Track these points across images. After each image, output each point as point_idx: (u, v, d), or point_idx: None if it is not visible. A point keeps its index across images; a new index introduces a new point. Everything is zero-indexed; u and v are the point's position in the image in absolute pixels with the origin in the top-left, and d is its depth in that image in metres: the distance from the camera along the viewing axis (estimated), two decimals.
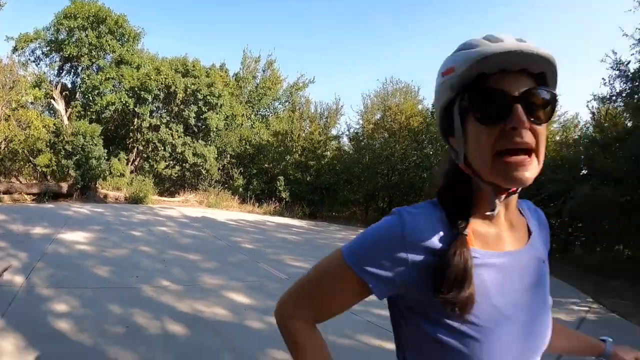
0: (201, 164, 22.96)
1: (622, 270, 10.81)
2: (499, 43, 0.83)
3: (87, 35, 21.66)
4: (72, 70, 24.08)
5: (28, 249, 7.37)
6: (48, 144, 19.03)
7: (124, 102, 21.35)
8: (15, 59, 20.96)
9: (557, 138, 17.82)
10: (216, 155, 23.50)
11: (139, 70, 22.66)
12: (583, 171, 13.73)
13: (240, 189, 23.37)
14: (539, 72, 0.86)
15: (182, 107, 22.64)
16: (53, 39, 22.23)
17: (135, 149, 23.37)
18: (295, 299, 1.04)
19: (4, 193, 15.38)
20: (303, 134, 24.00)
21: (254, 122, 26.96)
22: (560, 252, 14.14)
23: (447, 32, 58.20)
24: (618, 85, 11.69)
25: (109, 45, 22.13)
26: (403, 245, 0.87)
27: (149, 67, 22.98)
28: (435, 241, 0.87)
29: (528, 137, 0.82)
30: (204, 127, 23.46)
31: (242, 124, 25.59)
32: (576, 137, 17.18)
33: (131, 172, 22.64)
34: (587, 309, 7.63)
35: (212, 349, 4.16)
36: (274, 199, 22.54)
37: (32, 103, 20.93)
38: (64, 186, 17.74)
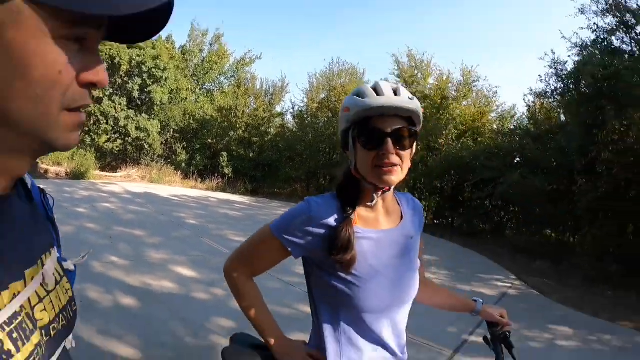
0: (144, 138, 22.57)
1: (548, 252, 11.61)
2: (380, 97, 1.26)
3: None
4: None
5: None
6: None
7: None
8: None
9: (495, 127, 18.54)
10: (159, 130, 23.20)
11: None
12: (517, 159, 14.44)
13: (183, 165, 23.19)
14: (407, 115, 1.29)
15: (126, 79, 22.11)
16: None
17: None
18: (238, 260, 1.53)
19: None
20: (247, 111, 24.01)
21: (198, 97, 26.64)
22: (492, 234, 14.96)
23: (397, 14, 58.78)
24: (553, 83, 12.40)
25: None
26: (310, 222, 1.36)
27: None
28: (331, 221, 1.35)
29: (394, 159, 1.27)
30: (147, 100, 22.99)
31: (186, 98, 25.26)
32: (512, 127, 17.98)
33: None
34: (509, 285, 8.30)
35: (161, 319, 4.51)
36: (216, 175, 22.54)
37: None
38: None
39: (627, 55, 10.34)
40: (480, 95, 19.41)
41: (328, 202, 1.40)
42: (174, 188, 19.38)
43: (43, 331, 0.67)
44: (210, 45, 27.79)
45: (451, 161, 15.86)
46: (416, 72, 19.46)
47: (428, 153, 17.35)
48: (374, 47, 59.39)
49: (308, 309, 1.53)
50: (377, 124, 1.27)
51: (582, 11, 11.13)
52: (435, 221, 17.59)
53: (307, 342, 1.51)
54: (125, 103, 22.25)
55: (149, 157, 23.37)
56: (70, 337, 0.79)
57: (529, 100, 15.59)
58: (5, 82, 0.55)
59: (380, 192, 1.37)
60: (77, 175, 18.93)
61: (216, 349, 4.02)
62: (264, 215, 13.91)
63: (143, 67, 21.83)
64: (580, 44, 11.47)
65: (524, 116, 17.39)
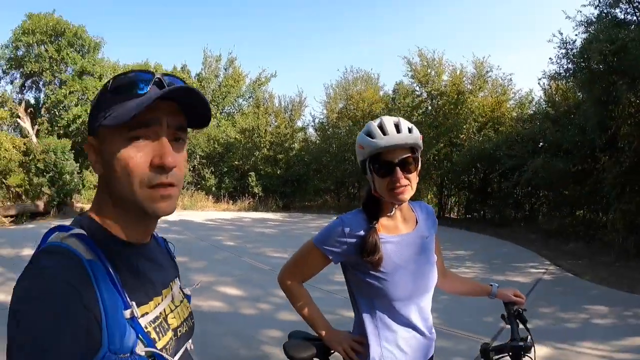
0: None
1: (579, 233, 11.65)
2: (386, 136, 1.61)
3: (46, 50, 21.58)
4: (34, 86, 23.94)
5: None
6: (20, 163, 18.83)
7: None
8: None
9: (514, 114, 18.50)
10: (186, 157, 23.64)
11: (101, 80, 22.55)
12: (539, 144, 14.44)
13: (213, 188, 23.69)
14: (412, 145, 1.64)
15: None
16: (12, 56, 22.05)
17: None
18: (289, 270, 1.94)
19: None
20: (269, 129, 24.33)
21: (220, 121, 27.13)
22: (524, 221, 14.97)
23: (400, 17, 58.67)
24: (565, 64, 12.39)
25: (69, 57, 22.04)
26: (343, 234, 1.73)
27: (111, 76, 22.87)
28: (360, 231, 1.72)
29: (404, 182, 1.63)
30: None
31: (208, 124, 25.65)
32: (531, 112, 17.92)
33: None
34: (544, 270, 8.43)
35: (215, 336, 4.88)
36: (247, 195, 22.97)
37: None
38: (41, 204, 17.73)
39: (632, 27, 10.33)
40: (496, 84, 19.41)
41: (356, 216, 1.78)
42: (207, 212, 19.82)
43: (173, 332, 1.02)
44: (225, 69, 28.27)
45: (475, 154, 15.92)
46: (429, 70, 19.53)
47: (452, 149, 17.45)
48: (383, 47, 59.19)
49: (348, 313, 1.88)
50: (387, 157, 1.63)
51: None
52: (468, 215, 17.64)
53: (351, 331, 1.88)
54: None
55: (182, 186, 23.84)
56: (190, 341, 1.16)
57: (544, 84, 15.56)
58: (110, 176, 0.92)
59: (397, 206, 1.75)
60: None
61: (269, 357, 4.38)
62: (299, 230, 14.29)
63: None
64: (586, 20, 11.45)
65: (542, 100, 17.33)
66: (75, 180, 19.29)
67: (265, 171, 23.14)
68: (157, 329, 0.96)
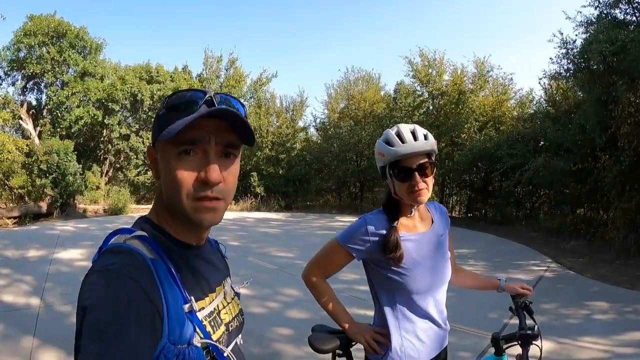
0: None
1: (581, 231, 11.75)
2: (404, 145, 1.74)
3: (48, 52, 21.59)
4: (36, 88, 23.95)
5: (31, 271, 7.78)
6: (23, 165, 18.83)
7: (92, 115, 21.43)
8: None
9: (515, 113, 18.58)
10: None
11: (103, 81, 22.65)
12: (540, 143, 14.52)
13: None
14: (428, 152, 1.77)
15: (150, 113, 22.79)
16: (14, 57, 22.07)
17: (107, 160, 23.50)
18: (313, 267, 2.03)
19: None
20: (271, 129, 24.49)
21: None
22: (525, 219, 15.05)
23: (401, 15, 58.63)
24: (565, 64, 12.48)
25: (71, 59, 22.01)
26: (367, 233, 1.84)
27: (113, 77, 23.04)
28: (382, 230, 1.84)
29: (422, 185, 1.76)
30: None
31: None
32: (531, 111, 18.00)
33: (105, 183, 22.77)
34: (545, 268, 8.52)
35: None
36: (249, 195, 23.04)
37: (0, 126, 20.88)
38: (44, 206, 17.84)
39: (632, 27, 10.39)
40: (497, 84, 19.55)
41: (378, 216, 1.90)
42: None
43: (225, 327, 1.10)
44: (226, 70, 28.27)
45: (476, 153, 15.98)
46: (430, 70, 19.63)
47: (453, 148, 17.53)
48: (383, 46, 59.16)
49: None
50: (405, 163, 1.77)
51: None
52: (469, 214, 17.72)
53: (371, 324, 2.00)
54: None
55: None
56: (240, 335, 1.24)
57: (544, 83, 15.64)
58: (163, 185, 1.02)
59: (415, 207, 1.89)
60: (115, 211, 19.61)
61: (280, 354, 4.48)
62: (302, 230, 14.42)
63: None
64: (586, 21, 11.54)
65: (542, 99, 17.42)
66: (78, 181, 19.36)
67: (267, 171, 23.27)
68: (212, 323, 1.04)
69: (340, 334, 2.02)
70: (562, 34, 12.04)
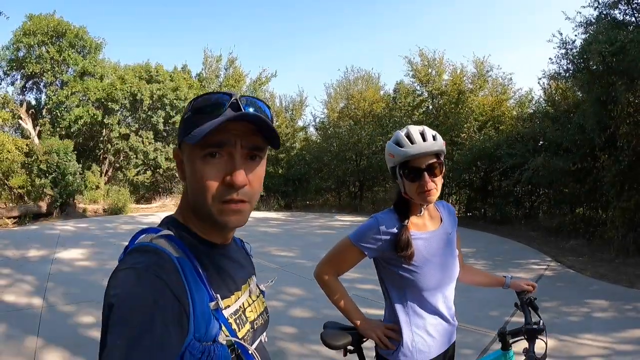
0: (174, 168, 22.99)
1: (580, 230, 11.80)
2: (414, 145, 1.79)
3: (48, 51, 21.55)
4: (35, 87, 23.90)
5: (32, 271, 7.80)
6: (22, 164, 18.79)
7: (91, 114, 21.37)
8: None
9: (514, 113, 18.61)
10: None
11: (102, 80, 22.58)
12: (539, 143, 14.55)
13: None
14: (437, 152, 1.82)
15: (149, 113, 22.78)
16: (13, 57, 22.01)
17: (107, 159, 23.46)
18: (326, 265, 2.08)
19: None
20: None
21: None
22: (524, 219, 15.09)
23: (400, 14, 58.57)
24: (564, 64, 12.52)
25: (71, 58, 21.95)
26: (379, 232, 1.90)
27: (112, 77, 22.97)
28: (393, 229, 1.89)
29: (431, 185, 1.81)
30: (173, 131, 23.59)
31: None
32: (531, 111, 18.04)
33: (105, 183, 22.74)
34: (545, 267, 8.58)
35: None
36: None
37: (0, 126, 20.84)
38: (43, 205, 17.82)
39: (631, 28, 10.44)
40: (496, 84, 19.62)
41: (389, 215, 1.95)
42: None
43: (250, 324, 1.12)
44: (226, 69, 28.25)
45: (476, 153, 16.00)
46: (430, 70, 19.69)
47: (453, 148, 17.58)
48: (383, 45, 58.97)
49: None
50: (415, 164, 1.82)
51: None
52: (468, 213, 17.76)
53: (382, 320, 2.05)
54: (152, 136, 22.90)
55: (181, 184, 23.81)
56: (265, 333, 1.26)
57: (543, 83, 15.69)
58: (189, 187, 1.05)
59: (425, 206, 1.94)
60: (114, 210, 19.61)
61: (284, 352, 4.53)
62: (302, 229, 14.48)
63: (164, 99, 22.44)
64: (585, 21, 11.57)
65: (541, 99, 17.44)
66: (78, 181, 19.36)
67: (267, 171, 23.13)
68: (237, 321, 1.06)
69: (351, 330, 2.06)
70: (561, 34, 12.09)
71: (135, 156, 22.79)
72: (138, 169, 23.99)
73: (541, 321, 2.09)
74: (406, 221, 1.90)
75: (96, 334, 4.95)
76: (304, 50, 56.59)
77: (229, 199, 0.99)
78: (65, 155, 18.51)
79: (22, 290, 6.73)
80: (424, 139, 1.81)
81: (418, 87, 20.64)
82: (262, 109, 1.06)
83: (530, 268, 8.58)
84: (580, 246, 10.55)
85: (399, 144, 1.84)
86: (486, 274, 2.48)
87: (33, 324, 5.24)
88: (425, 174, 1.80)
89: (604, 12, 11.10)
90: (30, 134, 21.00)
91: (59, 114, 21.48)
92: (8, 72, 22.59)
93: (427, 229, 1.98)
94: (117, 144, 22.54)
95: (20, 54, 21.95)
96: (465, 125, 17.86)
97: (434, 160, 1.82)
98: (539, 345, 2.04)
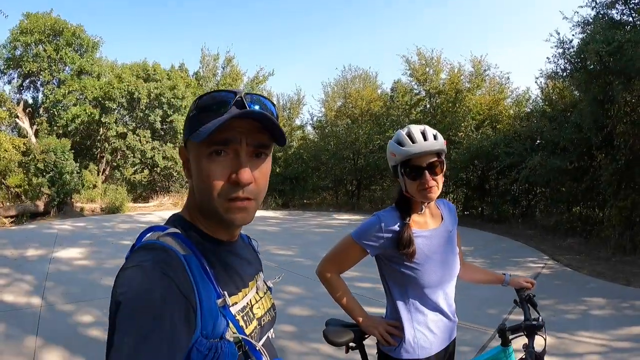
0: (172, 166, 23.20)
1: (577, 229, 11.85)
2: (415, 144, 1.81)
3: (45, 50, 21.49)
4: (32, 86, 23.83)
5: (31, 271, 7.78)
6: (19, 163, 18.67)
7: (89, 113, 21.33)
8: None
9: (511, 112, 18.63)
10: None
11: (99, 79, 22.57)
12: (537, 142, 14.58)
13: None
14: (437, 151, 1.84)
15: (146, 112, 22.71)
16: (10, 56, 21.95)
17: (104, 158, 23.42)
18: (328, 263, 2.10)
19: None
20: None
21: None
22: (522, 217, 15.12)
23: (399, 11, 58.53)
24: (562, 63, 12.56)
25: (68, 57, 21.88)
26: (381, 229, 1.92)
27: (110, 76, 22.93)
28: (395, 227, 1.92)
29: (432, 183, 1.84)
30: (170, 130, 23.64)
31: None
32: (528, 110, 18.08)
33: (102, 182, 22.67)
34: (542, 265, 8.62)
35: None
36: None
37: None
38: (41, 205, 17.69)
39: (628, 28, 10.49)
40: (493, 82, 19.67)
41: (391, 213, 1.97)
42: None
43: (257, 321, 1.12)
44: (223, 68, 28.23)
45: (473, 152, 15.99)
46: (427, 69, 19.73)
47: (450, 147, 17.59)
48: (381, 44, 58.91)
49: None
50: (416, 162, 1.85)
51: None
52: (465, 212, 17.78)
53: (384, 317, 2.08)
54: (149, 135, 22.87)
55: (178, 183, 23.90)
56: (272, 330, 1.26)
57: (541, 82, 15.71)
58: (195, 185, 1.05)
59: (425, 204, 1.97)
60: (112, 209, 19.50)
61: (284, 350, 4.53)
62: (300, 228, 14.51)
63: (162, 98, 22.40)
64: (583, 21, 11.60)
65: (539, 98, 17.46)
66: (75, 180, 19.26)
67: None
68: (245, 318, 1.06)
69: (354, 327, 2.09)
70: (558, 33, 12.12)
71: (132, 155, 22.76)
72: (135, 168, 23.98)
73: (540, 317, 2.12)
74: (408, 219, 1.93)
75: (96, 333, 4.99)
76: (303, 48, 56.74)
77: (235, 196, 0.99)
78: (63, 154, 18.42)
79: (21, 290, 6.72)
80: (425, 138, 1.83)
81: (415, 86, 20.70)
82: (268, 107, 1.06)
83: (528, 266, 8.61)
84: (577, 244, 10.59)
85: (400, 143, 1.87)
86: (486, 272, 2.52)
87: (32, 324, 5.24)
88: (426, 172, 1.83)
89: (602, 12, 11.14)
90: (27, 132, 20.97)
91: (56, 113, 21.42)
92: (5, 71, 22.52)
93: (429, 226, 2.01)
94: (114, 142, 22.48)
95: (17, 52, 21.88)
96: (462, 124, 17.86)
97: (435, 159, 1.86)
98: (538, 342, 2.06)
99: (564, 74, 12.58)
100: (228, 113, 0.98)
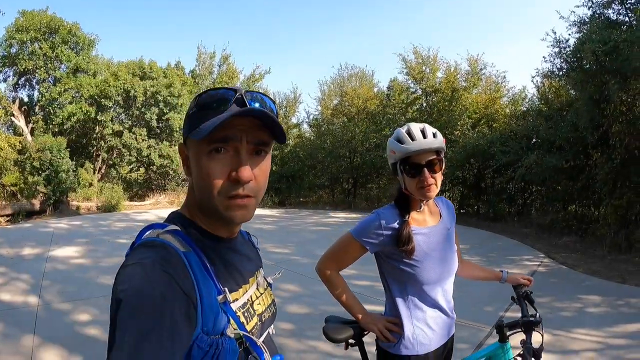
0: (168, 164, 23.13)
1: (573, 227, 11.90)
2: (414, 142, 1.83)
3: (40, 47, 21.42)
4: (28, 84, 23.77)
5: (27, 269, 7.78)
6: (15, 162, 18.59)
7: (84, 111, 21.24)
8: None
9: (507, 111, 18.70)
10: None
11: (95, 77, 22.50)
12: (532, 140, 14.62)
13: None
14: (436, 149, 1.85)
15: (142, 110, 22.62)
16: (5, 54, 21.88)
17: (100, 157, 23.33)
18: (328, 260, 2.12)
19: None
20: None
21: None
22: (517, 216, 15.17)
23: (399, 9, 58.44)
24: (558, 63, 12.59)
25: (64, 55, 21.81)
26: (380, 227, 1.93)
27: (106, 74, 22.86)
28: (395, 224, 1.93)
29: (431, 181, 1.86)
30: (166, 128, 23.55)
31: None
32: (524, 109, 18.13)
33: (98, 180, 22.62)
34: (538, 263, 8.66)
35: None
36: None
37: None
38: (36, 203, 17.65)
39: (625, 27, 10.50)
40: (490, 81, 19.73)
41: (390, 211, 1.99)
42: None
43: (258, 317, 1.12)
44: (219, 66, 28.21)
45: (469, 150, 16.02)
46: (424, 68, 19.76)
47: (446, 145, 17.62)
48: (377, 42, 58.75)
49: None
50: (415, 160, 1.87)
51: None
52: (461, 210, 17.81)
53: (383, 314, 2.10)
54: (145, 133, 22.80)
55: (174, 181, 23.86)
56: (272, 325, 1.26)
57: (537, 81, 15.75)
58: (195, 182, 1.05)
59: (425, 202, 1.99)
60: (108, 208, 19.46)
61: (282, 348, 4.51)
62: (296, 226, 14.53)
63: (158, 96, 22.29)
64: (579, 20, 11.59)
65: (535, 97, 17.51)
66: (71, 178, 19.20)
67: None
68: (245, 314, 1.06)
69: (353, 324, 2.11)
70: (555, 33, 12.17)
71: (128, 153, 22.67)
72: (131, 166, 23.92)
73: (538, 314, 2.14)
74: (407, 216, 1.94)
75: (93, 331, 4.99)
76: (299, 46, 56.33)
77: (235, 194, 0.99)
78: (59, 152, 18.36)
79: (18, 289, 6.72)
80: (424, 136, 1.85)
81: (412, 85, 20.74)
82: (268, 104, 1.06)
83: (524, 264, 8.65)
84: (572, 243, 10.64)
85: (399, 140, 1.89)
86: (484, 269, 2.55)
87: (29, 323, 5.24)
88: (425, 170, 1.85)
89: (598, 12, 11.14)
90: (23, 131, 20.90)
91: (51, 111, 21.35)
92: (0, 69, 22.45)
93: (427, 224, 2.03)
94: (110, 141, 22.38)
95: (13, 50, 21.83)
96: (458, 123, 17.92)
97: (434, 156, 1.87)
98: (536, 338, 2.09)
99: (560, 73, 12.61)
100: (228, 111, 0.98)
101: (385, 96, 24.54)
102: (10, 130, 22.17)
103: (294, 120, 26.74)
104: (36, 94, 23.30)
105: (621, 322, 5.24)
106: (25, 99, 23.59)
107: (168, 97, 22.46)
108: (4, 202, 17.73)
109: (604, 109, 10.51)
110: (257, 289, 1.19)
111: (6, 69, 22.52)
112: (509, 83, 24.57)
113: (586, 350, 4.49)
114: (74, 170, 19.73)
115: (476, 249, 10.02)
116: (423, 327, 1.95)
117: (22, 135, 20.37)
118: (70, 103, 21.32)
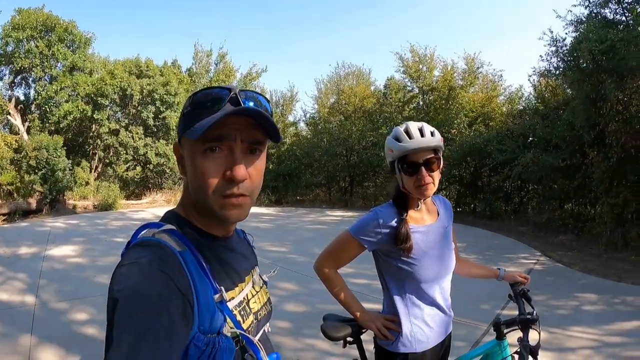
0: (164, 163, 22.99)
1: (569, 226, 11.93)
2: (412, 140, 1.84)
3: (37, 46, 21.31)
4: (24, 82, 23.64)
5: (24, 269, 7.74)
6: (11, 161, 18.44)
7: (81, 110, 21.15)
8: None
9: (504, 110, 18.74)
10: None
11: (92, 75, 22.40)
12: (529, 139, 14.67)
13: None
14: (434, 148, 1.86)
15: (139, 108, 22.51)
16: (1, 52, 21.75)
17: (97, 155, 23.24)
18: (326, 258, 2.13)
19: None
20: None
21: None
22: (514, 214, 15.22)
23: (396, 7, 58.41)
24: (555, 61, 12.64)
25: (60, 53, 21.69)
26: (379, 225, 1.94)
27: (102, 72, 22.76)
28: (393, 222, 1.93)
29: (428, 180, 1.87)
30: (162, 126, 23.41)
31: None
32: (521, 108, 18.18)
33: (94, 179, 22.53)
34: (535, 261, 8.69)
35: None
36: None
37: None
38: (33, 202, 17.55)
39: (621, 27, 10.56)
40: (486, 80, 19.75)
41: (388, 209, 2.00)
42: None
43: (254, 315, 1.13)
44: (216, 64, 28.14)
45: (466, 149, 16.07)
46: (421, 66, 19.78)
47: (443, 144, 17.66)
48: (374, 40, 58.70)
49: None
50: (413, 158, 1.88)
51: None
52: (458, 208, 17.85)
53: (380, 312, 2.11)
54: (142, 131, 22.69)
55: (171, 180, 23.81)
56: (268, 323, 1.26)
57: (534, 80, 15.80)
58: (189, 181, 1.05)
59: (422, 200, 1.99)
60: (104, 207, 19.38)
61: (279, 346, 4.51)
62: (293, 224, 14.52)
63: (154, 94, 22.19)
64: (576, 20, 11.66)
65: (531, 96, 17.57)
66: (68, 177, 19.11)
67: None
68: (242, 312, 1.07)
69: (351, 322, 2.12)
70: (552, 32, 12.21)
71: (125, 152, 22.58)
72: (128, 165, 23.85)
73: (534, 311, 2.15)
74: (405, 215, 1.95)
75: (90, 330, 4.98)
76: (296, 44, 56.28)
77: (230, 193, 1.00)
78: (55, 151, 18.26)
79: (15, 288, 6.69)
80: (422, 135, 1.86)
81: (409, 83, 20.80)
82: (262, 103, 1.07)
83: (520, 262, 8.69)
84: (569, 241, 10.67)
85: (397, 139, 1.90)
86: (481, 266, 2.56)
87: (26, 322, 5.22)
88: (423, 168, 1.85)
89: (595, 11, 11.19)
90: (19, 129, 20.81)
91: (48, 110, 21.24)
92: None
93: (425, 222, 2.04)
94: (106, 139, 22.28)
95: (9, 48, 21.67)
96: (455, 121, 17.93)
97: (432, 155, 1.88)
98: (533, 336, 2.09)
99: (557, 72, 12.66)
100: (222, 110, 0.98)
101: (382, 94, 24.55)
102: (7, 129, 22.04)
103: (290, 118, 26.81)
104: (32, 92, 23.16)
105: (617, 320, 5.27)
106: (22, 98, 23.45)
107: (165, 96, 22.34)
108: (0, 201, 17.68)
109: (600, 107, 10.55)
110: (252, 287, 1.20)
111: (2, 67, 22.34)
112: (505, 82, 24.67)
113: (582, 348, 4.51)
114: (70, 169, 19.62)
115: (473, 247, 10.04)
116: (421, 324, 1.96)
117: (19, 134, 20.25)
118: (67, 101, 21.21)
